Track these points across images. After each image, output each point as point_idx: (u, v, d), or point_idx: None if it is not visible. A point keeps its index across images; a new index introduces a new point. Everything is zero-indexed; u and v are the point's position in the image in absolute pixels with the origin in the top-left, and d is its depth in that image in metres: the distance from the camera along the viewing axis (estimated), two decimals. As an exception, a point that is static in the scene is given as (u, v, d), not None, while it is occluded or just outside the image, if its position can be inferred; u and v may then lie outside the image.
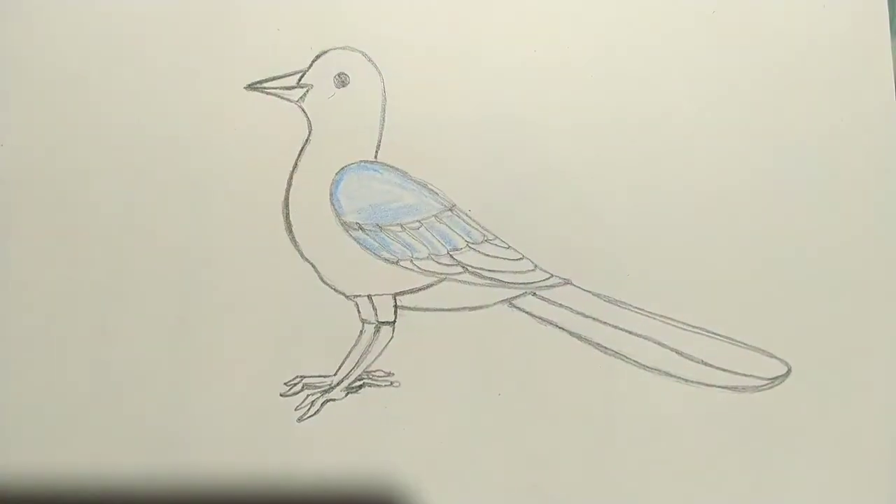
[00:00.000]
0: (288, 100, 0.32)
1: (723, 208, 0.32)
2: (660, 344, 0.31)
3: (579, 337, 0.31)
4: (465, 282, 0.31)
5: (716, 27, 0.33)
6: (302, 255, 0.31)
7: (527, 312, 0.31)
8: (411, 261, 0.31)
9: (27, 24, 0.32)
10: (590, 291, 0.31)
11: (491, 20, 0.32)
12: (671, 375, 0.31)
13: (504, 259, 0.31)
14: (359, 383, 0.31)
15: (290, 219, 0.31)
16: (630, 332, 0.31)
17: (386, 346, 0.31)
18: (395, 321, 0.31)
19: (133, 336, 0.31)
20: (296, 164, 0.31)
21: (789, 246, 0.32)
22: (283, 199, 0.31)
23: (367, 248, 0.31)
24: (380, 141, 0.32)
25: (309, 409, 0.30)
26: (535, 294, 0.31)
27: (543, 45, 0.32)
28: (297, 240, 0.31)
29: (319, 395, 0.30)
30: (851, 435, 0.31)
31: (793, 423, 0.31)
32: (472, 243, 0.31)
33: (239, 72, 0.32)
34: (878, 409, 0.31)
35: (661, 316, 0.31)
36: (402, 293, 0.31)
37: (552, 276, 0.31)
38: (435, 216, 0.31)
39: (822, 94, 0.33)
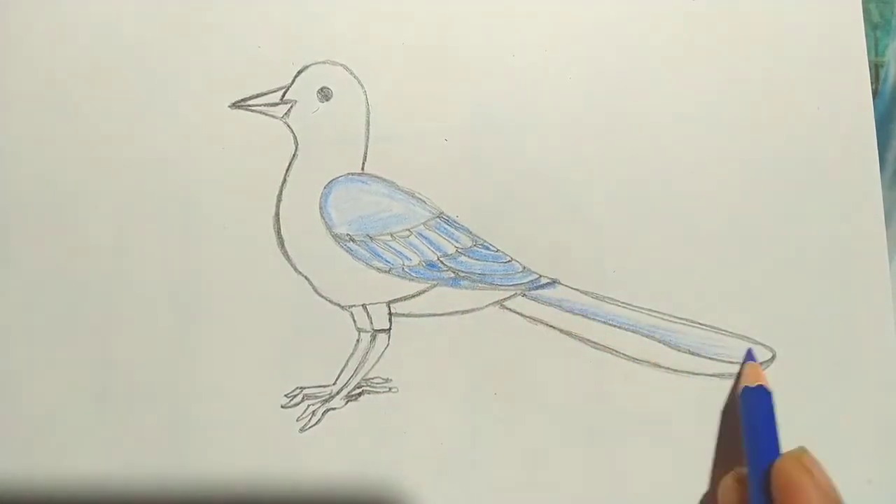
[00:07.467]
0: (273, 116, 0.32)
1: (703, 201, 0.33)
2: (647, 336, 0.32)
3: (569, 334, 0.32)
4: (456, 287, 0.32)
5: (694, 25, 0.33)
6: (296, 269, 0.32)
7: (518, 313, 0.32)
8: (403, 269, 0.32)
9: (10, 47, 0.33)
10: (578, 289, 0.32)
11: (469, 28, 0.33)
12: (660, 366, 0.32)
13: (493, 262, 0.32)
14: (358, 391, 0.31)
15: (282, 234, 0.32)
16: (618, 327, 0.32)
17: (382, 353, 0.32)
18: (390, 328, 0.32)
19: (133, 356, 0.31)
20: (284, 179, 0.32)
21: (770, 236, 0.33)
22: (273, 214, 0.32)
23: (360, 259, 0.32)
24: (366, 153, 0.32)
25: (310, 418, 0.31)
26: (524, 295, 0.32)
27: (522, 48, 0.33)
28: (290, 254, 0.32)
29: (320, 404, 0.31)
30: (836, 415, 0.32)
31: (779, 406, 0.32)
32: (462, 248, 0.32)
33: (222, 90, 0.32)
34: (861, 390, 0.32)
35: (648, 309, 0.32)
36: (396, 301, 0.32)
37: (541, 276, 0.32)
38: (424, 224, 0.32)
39: (800, 86, 0.33)
